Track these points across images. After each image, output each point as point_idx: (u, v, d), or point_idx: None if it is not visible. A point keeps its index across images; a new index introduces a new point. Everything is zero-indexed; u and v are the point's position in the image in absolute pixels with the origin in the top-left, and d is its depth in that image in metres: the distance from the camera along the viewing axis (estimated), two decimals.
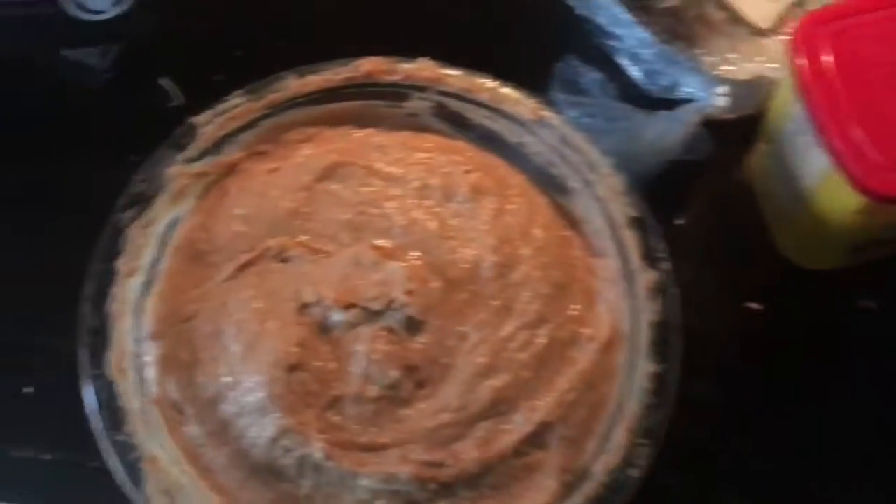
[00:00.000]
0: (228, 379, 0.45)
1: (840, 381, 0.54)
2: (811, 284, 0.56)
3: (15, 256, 0.55)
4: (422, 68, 0.51)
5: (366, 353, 0.45)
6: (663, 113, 0.59)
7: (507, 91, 0.51)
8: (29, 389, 0.52)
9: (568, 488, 0.44)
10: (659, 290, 0.46)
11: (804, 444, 0.52)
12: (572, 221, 0.51)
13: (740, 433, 0.52)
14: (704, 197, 0.62)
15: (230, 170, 0.50)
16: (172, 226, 0.49)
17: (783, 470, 0.52)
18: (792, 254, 0.58)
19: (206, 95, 0.55)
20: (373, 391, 0.45)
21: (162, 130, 0.59)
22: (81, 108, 0.61)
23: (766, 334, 0.57)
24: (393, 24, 0.61)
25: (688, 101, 0.61)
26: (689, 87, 0.61)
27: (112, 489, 0.43)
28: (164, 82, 0.61)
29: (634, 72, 0.63)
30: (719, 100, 0.59)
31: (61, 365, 0.45)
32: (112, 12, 0.60)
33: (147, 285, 0.47)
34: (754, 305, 0.57)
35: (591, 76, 0.61)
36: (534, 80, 0.55)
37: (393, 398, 0.45)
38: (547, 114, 0.50)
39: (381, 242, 0.48)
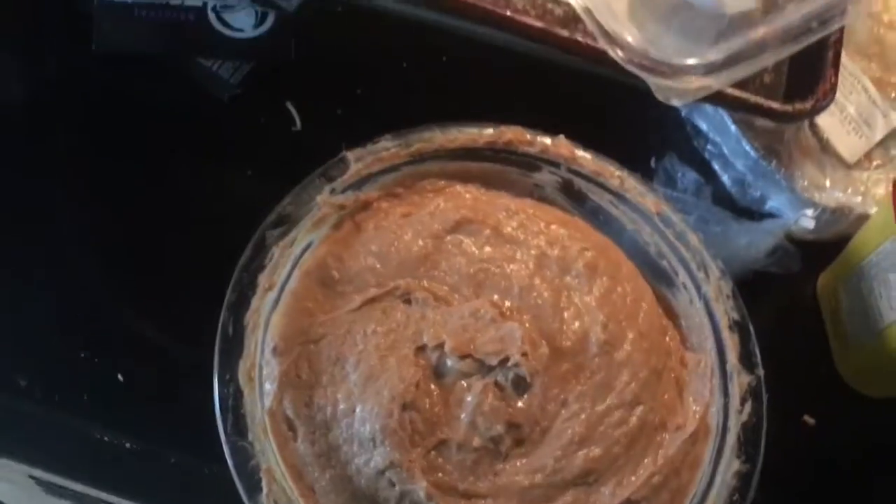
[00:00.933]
0: (344, 406, 0.47)
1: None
2: (868, 408, 0.60)
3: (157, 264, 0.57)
4: (559, 145, 0.54)
5: (475, 403, 0.47)
6: (753, 224, 0.63)
7: (634, 182, 0.54)
8: (155, 389, 0.54)
9: None
10: (752, 393, 0.49)
11: None
12: (670, 312, 0.54)
13: None
14: (773, 309, 0.65)
15: (365, 206, 0.53)
16: (306, 249, 0.51)
17: None
18: (850, 377, 0.62)
19: (321, 124, 0.58)
20: (476, 441, 0.47)
21: (278, 151, 0.63)
22: (206, 115, 0.64)
23: (818, 450, 0.60)
24: (512, 94, 0.65)
25: (773, 216, 0.65)
26: (776, 203, 0.65)
27: (228, 495, 0.44)
28: (290, 106, 0.64)
29: (726, 179, 0.67)
30: (806, 221, 0.64)
31: (193, 370, 0.47)
32: (252, 33, 0.63)
33: (277, 302, 0.49)
34: (809, 419, 0.61)
35: (689, 175, 0.65)
36: (636, 168, 0.59)
37: (493, 451, 0.47)
38: (667, 209, 0.54)
39: (499, 300, 0.50)
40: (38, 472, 0.55)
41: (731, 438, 0.48)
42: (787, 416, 0.60)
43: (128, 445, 0.53)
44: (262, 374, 0.47)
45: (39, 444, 0.53)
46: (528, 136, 0.54)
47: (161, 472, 0.52)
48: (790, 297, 0.67)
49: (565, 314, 0.51)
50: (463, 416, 0.47)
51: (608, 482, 0.48)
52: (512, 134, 0.54)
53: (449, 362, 0.48)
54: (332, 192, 0.52)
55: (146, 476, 0.53)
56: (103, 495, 0.54)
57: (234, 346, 0.47)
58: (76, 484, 0.54)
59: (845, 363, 0.62)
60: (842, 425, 0.61)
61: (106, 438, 0.53)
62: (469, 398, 0.48)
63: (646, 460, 0.48)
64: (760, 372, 0.50)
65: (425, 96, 0.64)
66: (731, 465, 0.48)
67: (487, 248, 0.52)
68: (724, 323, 0.51)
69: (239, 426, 0.45)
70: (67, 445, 0.53)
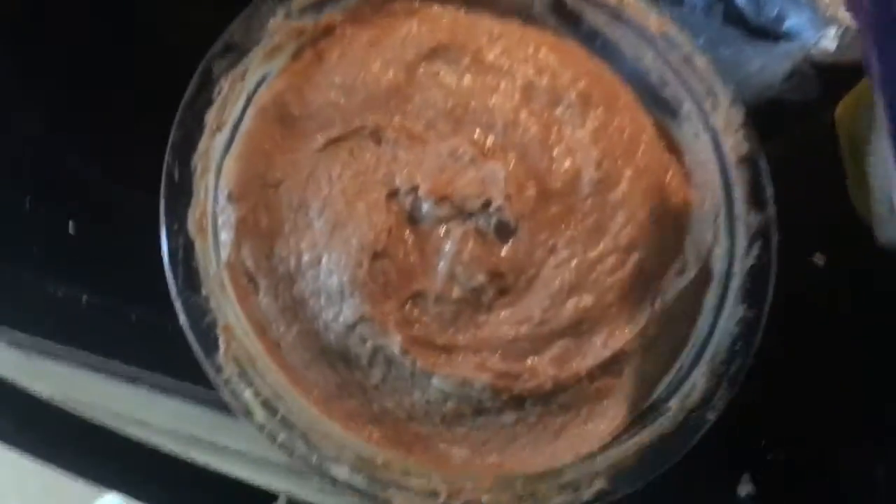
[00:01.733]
0: (309, 256, 0.43)
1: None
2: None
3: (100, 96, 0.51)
4: None
5: (454, 252, 0.43)
6: (768, 45, 0.56)
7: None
8: (111, 239, 0.49)
9: (638, 421, 0.43)
10: (761, 235, 0.45)
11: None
12: (672, 147, 0.48)
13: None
14: (786, 140, 0.60)
15: (326, 32, 0.46)
16: (261, 84, 0.45)
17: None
18: (867, 214, 0.57)
19: None
20: (456, 292, 0.43)
21: None
22: None
23: (824, 292, 0.56)
24: None
25: (790, 37, 0.59)
26: (795, 21, 0.58)
27: (190, 352, 0.41)
28: None
29: None
30: (827, 42, 0.57)
31: (150, 220, 0.42)
32: None
33: (230, 143, 0.44)
34: (818, 259, 0.56)
35: None
36: None
37: (474, 302, 0.43)
38: (672, 30, 0.47)
39: (480, 138, 0.45)
40: None
41: (736, 283, 0.44)
42: (795, 255, 0.56)
43: (84, 299, 0.49)
44: (216, 223, 0.43)
45: None
46: None
47: (121, 328, 0.49)
48: (806, 128, 0.61)
49: (555, 151, 0.45)
50: (441, 265, 0.43)
51: (600, 332, 0.44)
52: None
53: (425, 207, 0.44)
54: (287, 15, 0.45)
55: (105, 331, 0.49)
56: (61, 349, 0.50)
57: (182, 193, 0.42)
58: (31, 338, 0.50)
59: (862, 200, 0.57)
60: (852, 266, 0.56)
61: (60, 293, 0.49)
62: (447, 246, 0.43)
63: (641, 309, 0.44)
64: (771, 211, 0.45)
65: None
66: (734, 312, 0.44)
67: (467, 79, 0.46)
68: (732, 157, 0.46)
69: (191, 281, 0.41)
70: (19, 300, 0.49)
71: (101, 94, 0.51)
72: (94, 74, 0.52)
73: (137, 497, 0.50)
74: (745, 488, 0.49)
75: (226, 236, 0.43)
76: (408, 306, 0.43)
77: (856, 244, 0.57)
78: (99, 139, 0.50)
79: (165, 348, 0.48)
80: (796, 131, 0.60)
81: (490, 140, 0.45)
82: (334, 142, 0.44)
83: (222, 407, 0.56)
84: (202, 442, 0.61)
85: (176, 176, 0.42)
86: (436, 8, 0.48)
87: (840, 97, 0.58)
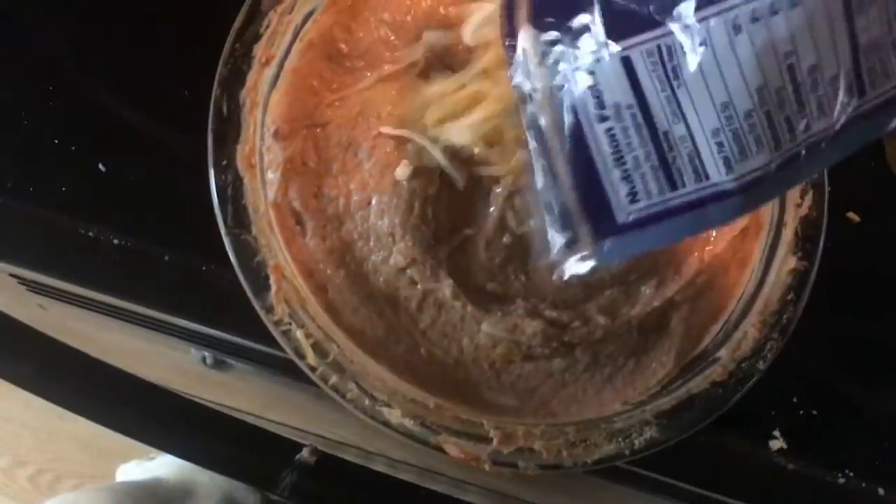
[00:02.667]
0: (358, 197, 0.42)
1: None
2: None
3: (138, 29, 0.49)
4: None
5: (505, 196, 0.42)
6: None
7: None
8: (143, 179, 0.48)
9: (687, 370, 0.43)
10: (812, 186, 0.44)
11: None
12: None
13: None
14: None
15: None
16: (308, 18, 0.43)
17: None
18: None
19: None
20: (507, 238, 0.42)
21: None
22: None
23: (858, 248, 0.56)
24: None
25: None
26: None
27: (229, 294, 0.40)
28: None
29: None
30: None
31: (185, 158, 0.41)
32: None
33: (277, 79, 0.42)
34: (854, 216, 0.56)
35: None
36: None
37: (524, 250, 0.43)
38: None
39: None
40: (18, 270, 0.49)
41: (788, 234, 0.44)
42: (831, 212, 0.56)
43: (115, 241, 0.48)
44: (262, 161, 0.41)
45: (17, 241, 0.48)
46: None
47: (154, 270, 0.47)
48: None
49: None
50: (492, 210, 0.42)
51: (649, 281, 0.43)
52: None
53: (476, 150, 0.42)
54: None
55: (138, 274, 0.48)
56: (91, 294, 0.49)
57: (230, 129, 0.41)
58: (61, 282, 0.49)
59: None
60: (887, 226, 0.56)
61: (91, 234, 0.48)
62: (499, 190, 0.42)
63: (690, 258, 0.44)
64: None
65: None
66: (786, 262, 0.43)
67: None
68: None
69: (240, 218, 0.40)
70: (49, 242, 0.48)
71: (142, 28, 0.49)
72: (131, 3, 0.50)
73: (160, 446, 0.49)
74: (776, 443, 0.49)
75: (272, 175, 0.42)
76: (458, 253, 0.42)
77: (891, 204, 0.56)
78: (134, 74, 0.48)
79: (194, 290, 0.47)
80: None
81: None
82: (384, 80, 0.43)
83: (243, 356, 0.56)
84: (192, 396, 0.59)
85: (224, 110, 0.40)
86: None
87: None
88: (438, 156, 0.40)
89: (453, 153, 0.41)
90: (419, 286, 0.41)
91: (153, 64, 0.48)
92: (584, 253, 0.31)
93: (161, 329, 0.53)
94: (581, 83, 0.29)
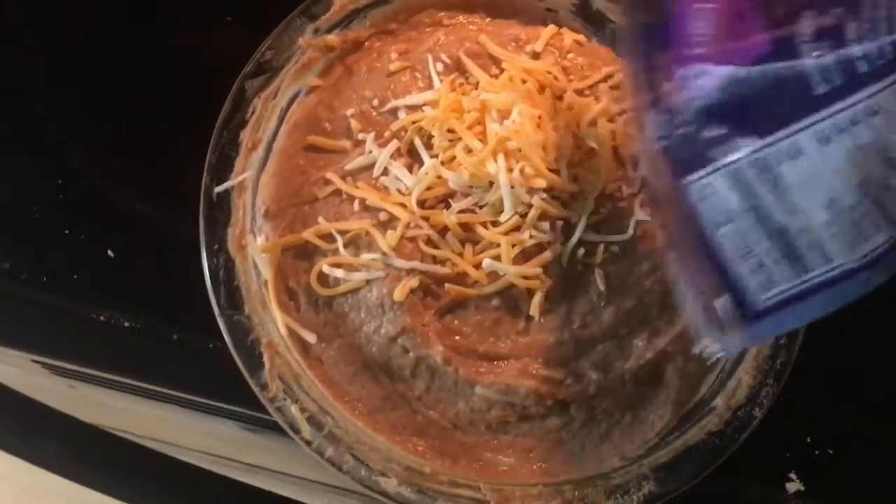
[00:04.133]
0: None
1: None
2: None
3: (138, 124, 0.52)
4: None
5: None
6: None
7: None
8: (143, 263, 0.50)
9: (684, 422, 0.43)
10: None
11: None
12: None
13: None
14: None
15: (355, 47, 0.47)
16: (293, 101, 0.45)
17: None
18: None
19: None
20: (495, 301, 0.43)
21: None
22: None
23: None
24: None
25: None
26: None
27: (235, 370, 0.41)
28: None
29: None
30: None
31: (186, 240, 0.43)
32: None
33: (265, 161, 0.44)
34: None
35: None
36: None
37: (514, 309, 0.43)
38: None
39: None
40: (38, 357, 0.52)
41: None
42: None
43: (126, 324, 0.49)
44: (255, 241, 0.43)
45: (34, 329, 0.50)
46: None
47: (163, 350, 0.49)
48: None
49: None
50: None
51: (641, 333, 0.44)
52: None
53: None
54: (317, 32, 0.45)
55: (148, 354, 0.50)
56: (107, 375, 0.51)
57: (221, 213, 0.42)
58: (77, 366, 0.51)
59: None
60: None
61: (102, 318, 0.50)
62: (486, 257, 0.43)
63: (681, 309, 0.44)
64: None
65: None
66: None
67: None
68: None
69: (233, 299, 0.42)
70: (63, 328, 0.50)
71: (138, 120, 0.51)
72: (130, 102, 0.52)
73: None
74: (793, 486, 0.49)
75: (264, 254, 0.43)
76: (449, 317, 0.43)
77: None
78: (136, 165, 0.51)
79: (205, 368, 0.48)
80: None
81: None
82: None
83: (262, 425, 0.57)
84: (236, 461, 0.61)
85: (214, 196, 0.42)
86: (461, 18, 0.48)
87: None
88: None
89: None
90: (411, 353, 0.42)
91: (154, 155, 0.50)
92: (731, 338, 0.33)
93: (181, 403, 0.55)
94: (697, 195, 0.32)
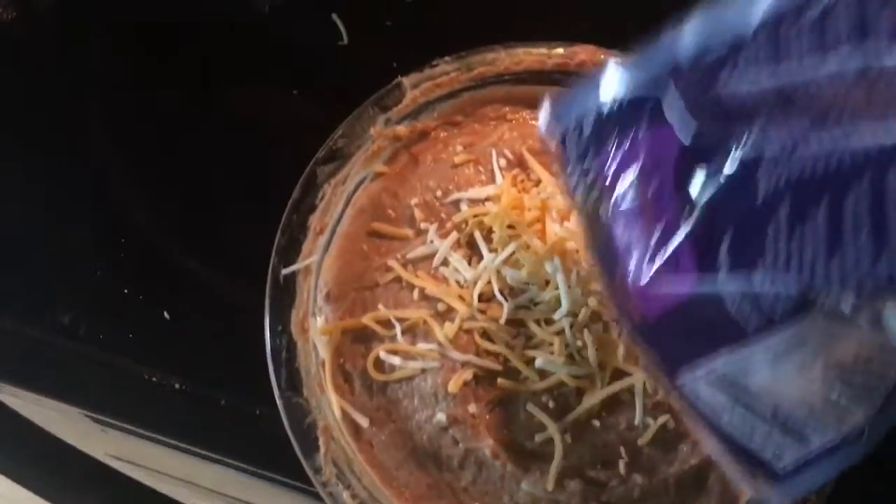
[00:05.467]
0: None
1: None
2: None
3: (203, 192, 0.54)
4: None
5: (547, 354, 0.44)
6: None
7: None
8: (203, 328, 0.51)
9: None
10: None
11: None
12: None
13: None
14: None
15: (422, 137, 0.48)
16: (359, 186, 0.47)
17: None
18: None
19: (370, 38, 0.52)
20: (545, 398, 0.44)
21: (325, 68, 0.58)
22: (245, 29, 0.59)
23: None
24: (584, 7, 0.58)
25: None
26: None
27: (281, 436, 0.42)
28: (335, 17, 0.59)
29: None
30: None
31: (242, 308, 0.44)
32: None
33: (329, 244, 0.45)
34: None
35: None
36: None
37: (564, 406, 0.44)
38: None
39: None
40: (89, 413, 0.53)
41: None
42: None
43: (176, 386, 0.51)
44: (315, 323, 0.44)
45: (86, 384, 0.51)
46: (603, 56, 0.48)
47: (211, 414, 0.50)
48: None
49: None
50: (531, 371, 0.44)
51: (686, 439, 0.44)
52: (585, 54, 0.48)
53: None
54: (387, 122, 0.47)
55: (195, 418, 0.51)
56: (152, 434, 0.52)
57: (286, 295, 0.44)
58: (126, 424, 0.52)
59: None
60: None
61: (154, 379, 0.51)
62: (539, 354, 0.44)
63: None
64: None
65: (485, 7, 0.58)
66: None
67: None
68: None
69: (293, 381, 0.43)
70: (114, 385, 0.51)
71: (210, 192, 0.53)
72: (196, 169, 0.54)
73: None
74: None
75: (325, 336, 0.44)
76: (498, 409, 0.44)
77: None
78: (199, 232, 0.52)
79: (251, 435, 0.49)
80: None
81: None
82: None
83: (304, 493, 0.58)
84: None
85: (281, 278, 0.43)
86: (525, 114, 0.49)
87: None
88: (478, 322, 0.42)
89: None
90: (461, 445, 0.43)
91: (217, 223, 0.52)
92: (766, 495, 0.36)
93: (224, 465, 0.56)
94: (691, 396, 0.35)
